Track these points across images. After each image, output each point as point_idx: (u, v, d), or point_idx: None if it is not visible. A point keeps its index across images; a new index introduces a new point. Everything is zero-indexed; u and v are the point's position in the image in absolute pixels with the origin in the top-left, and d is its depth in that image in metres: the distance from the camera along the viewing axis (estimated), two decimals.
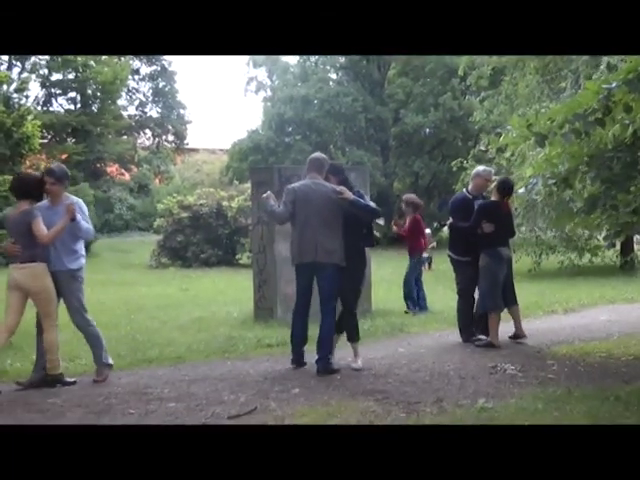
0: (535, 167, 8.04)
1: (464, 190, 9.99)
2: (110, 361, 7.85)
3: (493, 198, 9.35)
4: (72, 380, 7.55)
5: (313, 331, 8.04)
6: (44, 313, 7.45)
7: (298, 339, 8.10)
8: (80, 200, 7.85)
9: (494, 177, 10.23)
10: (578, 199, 8.45)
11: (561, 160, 7.72)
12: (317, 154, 8.43)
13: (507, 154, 10.87)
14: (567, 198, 8.91)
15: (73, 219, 7.38)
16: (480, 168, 10.02)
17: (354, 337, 8.22)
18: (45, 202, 7.63)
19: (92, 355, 7.82)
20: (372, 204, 8.21)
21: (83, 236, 7.72)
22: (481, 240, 9.09)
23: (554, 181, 7.68)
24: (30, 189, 7.50)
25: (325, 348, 7.90)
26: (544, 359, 8.36)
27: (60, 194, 7.60)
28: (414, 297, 12.49)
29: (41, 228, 7.28)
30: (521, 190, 9.06)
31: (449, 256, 9.69)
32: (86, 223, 7.63)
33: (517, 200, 15.51)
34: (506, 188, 9.29)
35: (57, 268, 7.48)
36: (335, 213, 7.90)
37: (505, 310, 9.41)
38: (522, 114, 11.97)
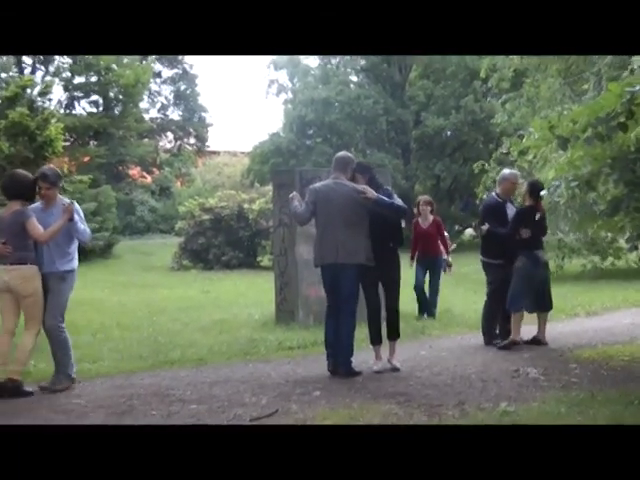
0: (557, 169, 7.99)
1: (493, 194, 9.93)
2: (73, 374, 7.57)
3: (527, 203, 9.34)
4: (29, 390, 7.28)
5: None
6: (29, 316, 7.32)
7: (331, 342, 7.99)
8: (75, 202, 7.71)
9: (520, 180, 10.23)
10: (601, 202, 8.40)
11: (584, 162, 7.67)
12: (342, 153, 8.35)
13: (529, 157, 10.78)
14: (590, 201, 8.85)
15: (71, 219, 7.31)
16: (507, 171, 9.97)
17: (395, 335, 8.23)
18: (38, 204, 7.53)
19: (54, 363, 7.52)
20: (398, 202, 8.06)
21: (80, 237, 7.58)
22: (518, 244, 9.14)
23: (576, 183, 7.63)
24: (23, 190, 7.38)
25: (346, 350, 7.87)
26: (567, 363, 8.31)
27: (55, 197, 7.52)
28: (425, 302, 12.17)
29: (37, 227, 7.19)
30: (543, 192, 9.03)
31: (481, 260, 9.67)
32: (82, 225, 7.53)
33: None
34: (537, 190, 9.27)
35: (48, 270, 7.38)
36: (358, 213, 7.82)
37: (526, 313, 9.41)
38: (544, 116, 11.89)
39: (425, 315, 12.01)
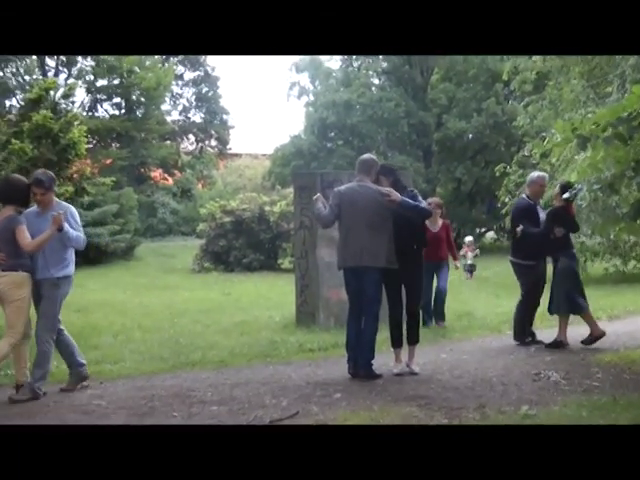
0: (580, 172, 7.95)
1: (524, 196, 9.96)
2: (42, 389, 7.27)
3: (557, 204, 9.44)
4: None
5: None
6: (10, 323, 7.12)
7: (352, 345, 7.98)
8: (71, 207, 7.60)
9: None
10: (624, 205, 8.35)
11: (606, 165, 7.63)
12: (366, 156, 8.34)
13: (552, 159, 10.75)
14: (613, 204, 8.82)
15: (60, 229, 7.12)
16: (535, 174, 10.00)
17: (414, 339, 8.23)
18: (34, 208, 7.43)
19: (28, 371, 7.30)
20: (423, 204, 8.09)
21: (73, 245, 7.41)
22: (554, 244, 9.36)
23: (599, 186, 7.59)
24: (16, 194, 7.25)
25: (368, 353, 7.87)
26: (589, 366, 8.26)
27: (51, 201, 7.42)
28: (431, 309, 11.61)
29: (25, 236, 7.06)
30: (565, 195, 9.01)
31: (511, 261, 9.73)
32: (75, 231, 7.36)
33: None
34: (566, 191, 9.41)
35: (42, 276, 7.29)
36: (382, 215, 7.80)
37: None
38: (567, 119, 11.84)
39: (432, 323, 11.40)
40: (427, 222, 9.95)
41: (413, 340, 8.22)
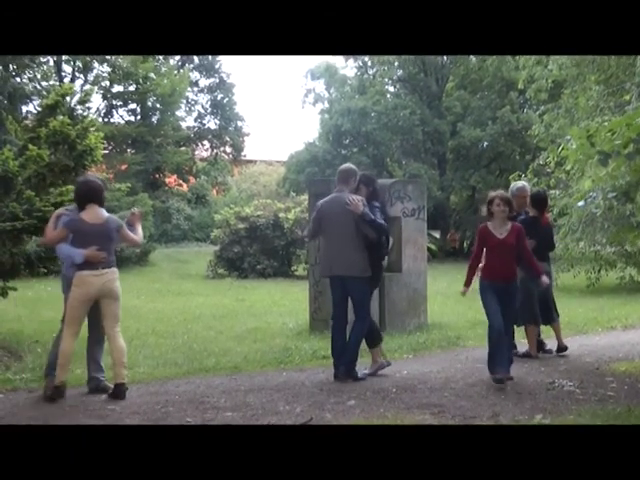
0: (595, 180, 7.94)
1: None
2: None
3: (531, 214, 9.34)
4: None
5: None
6: (118, 317, 7.56)
7: (337, 352, 8.21)
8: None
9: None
10: (638, 213, 8.33)
11: (621, 173, 7.61)
12: (344, 165, 8.61)
13: (567, 167, 10.71)
14: (627, 213, 8.79)
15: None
16: (515, 186, 9.83)
17: (370, 343, 8.45)
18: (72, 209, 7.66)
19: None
20: (380, 221, 8.12)
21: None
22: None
23: (614, 194, 7.57)
24: (101, 194, 7.52)
25: (351, 353, 8.11)
26: (603, 376, 8.24)
27: None
28: None
29: (133, 234, 7.63)
30: (580, 203, 8.97)
31: None
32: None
33: (575, 214, 15.37)
34: (537, 201, 9.33)
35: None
36: (355, 225, 8.02)
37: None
38: (583, 127, 11.83)
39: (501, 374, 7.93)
40: (489, 225, 8.03)
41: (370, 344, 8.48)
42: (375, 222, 8.04)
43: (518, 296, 8.51)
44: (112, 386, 7.47)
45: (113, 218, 7.52)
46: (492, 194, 8.05)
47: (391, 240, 9.04)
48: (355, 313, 8.17)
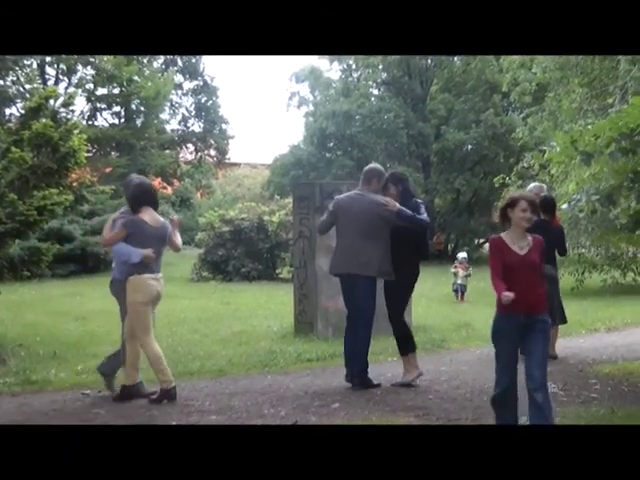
0: (579, 183, 7.98)
1: None
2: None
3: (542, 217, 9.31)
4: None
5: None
6: (153, 323, 7.64)
7: (349, 353, 8.02)
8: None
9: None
10: (622, 216, 8.37)
11: (605, 176, 7.64)
12: (370, 165, 8.46)
13: (552, 170, 10.75)
14: (612, 216, 8.82)
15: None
16: (533, 187, 9.86)
17: (403, 350, 8.15)
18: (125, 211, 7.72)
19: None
20: (423, 215, 7.98)
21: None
22: None
23: (597, 197, 7.60)
24: (155, 197, 7.72)
25: (361, 362, 7.91)
26: (587, 378, 8.27)
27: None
28: None
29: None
30: (564, 206, 9.00)
31: None
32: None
33: (561, 217, 15.43)
34: (542, 205, 9.26)
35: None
36: (375, 225, 7.85)
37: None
38: (567, 131, 11.87)
39: None
40: (507, 237, 5.80)
41: (401, 351, 8.20)
42: (414, 218, 7.84)
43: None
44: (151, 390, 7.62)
45: (167, 222, 7.61)
46: (515, 195, 5.89)
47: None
48: (357, 318, 7.94)
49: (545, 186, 10.21)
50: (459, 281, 17.33)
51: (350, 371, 7.96)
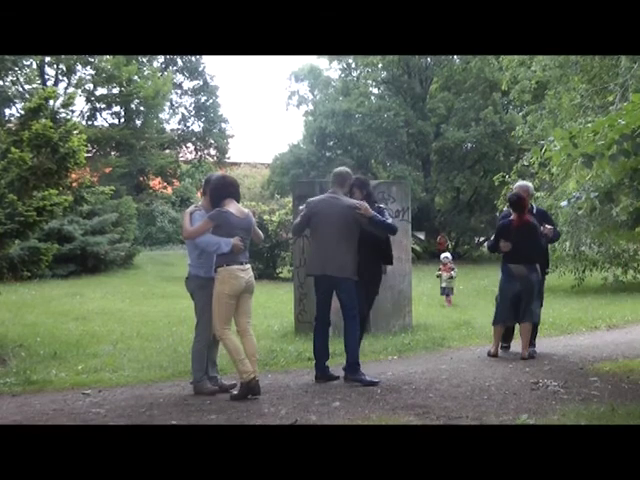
0: (579, 180, 7.96)
1: (506, 208, 9.92)
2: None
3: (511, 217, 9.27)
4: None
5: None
6: (250, 312, 7.61)
7: (319, 353, 8.20)
8: None
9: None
10: (622, 213, 8.35)
11: (605, 175, 7.63)
12: (340, 168, 8.51)
13: (553, 169, 10.73)
14: (613, 214, 8.80)
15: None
16: (516, 185, 9.90)
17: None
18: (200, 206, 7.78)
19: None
20: (390, 220, 8.25)
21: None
22: (504, 258, 9.35)
23: (597, 195, 7.59)
24: (236, 189, 7.66)
25: (352, 354, 8.01)
26: (587, 376, 8.26)
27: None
28: None
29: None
30: (563, 203, 8.97)
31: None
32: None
33: (560, 215, 15.42)
34: (515, 204, 9.21)
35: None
36: (350, 228, 7.98)
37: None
38: (567, 128, 11.87)
39: None
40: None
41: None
42: (384, 223, 8.07)
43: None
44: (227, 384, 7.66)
45: (251, 213, 7.72)
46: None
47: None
48: (344, 314, 8.08)
49: (531, 185, 10.10)
50: (443, 284, 16.43)
51: (320, 370, 8.15)
